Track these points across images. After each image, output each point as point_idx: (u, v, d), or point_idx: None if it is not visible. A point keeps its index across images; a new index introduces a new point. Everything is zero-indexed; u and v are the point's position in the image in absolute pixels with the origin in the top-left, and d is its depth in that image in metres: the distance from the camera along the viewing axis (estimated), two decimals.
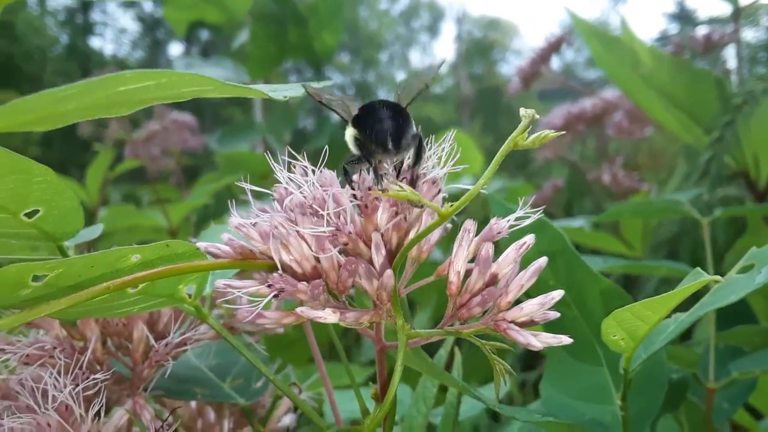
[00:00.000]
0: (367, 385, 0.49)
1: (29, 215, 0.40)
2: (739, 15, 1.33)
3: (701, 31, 1.32)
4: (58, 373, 0.43)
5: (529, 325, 0.39)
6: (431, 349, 0.53)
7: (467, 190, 0.37)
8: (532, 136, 0.33)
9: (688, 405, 0.81)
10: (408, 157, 0.41)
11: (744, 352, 0.83)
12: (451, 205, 0.34)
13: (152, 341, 0.48)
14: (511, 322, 0.38)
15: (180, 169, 2.20)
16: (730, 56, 1.56)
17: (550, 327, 0.46)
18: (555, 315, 0.40)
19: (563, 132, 0.34)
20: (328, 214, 0.36)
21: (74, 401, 0.41)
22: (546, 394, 0.63)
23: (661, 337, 0.49)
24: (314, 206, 0.38)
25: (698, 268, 0.43)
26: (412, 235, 0.39)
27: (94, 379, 0.43)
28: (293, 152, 0.42)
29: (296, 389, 0.60)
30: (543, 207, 0.42)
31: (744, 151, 1.32)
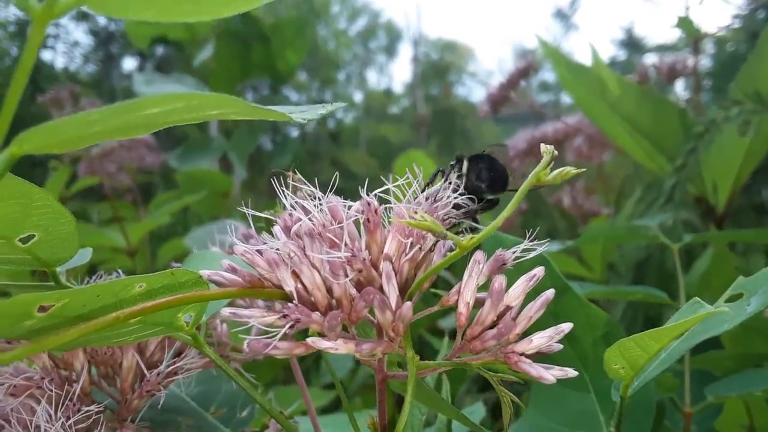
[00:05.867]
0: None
1: (24, 240, 0.39)
2: (699, 44, 1.37)
3: (667, 59, 1.35)
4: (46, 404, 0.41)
5: (535, 357, 0.39)
6: None
7: None
8: (554, 172, 0.33)
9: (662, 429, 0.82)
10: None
11: (714, 376, 0.85)
12: (472, 237, 0.34)
13: (144, 370, 0.46)
14: (521, 354, 0.38)
15: (136, 187, 2.15)
16: (678, 84, 1.61)
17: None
18: (559, 347, 0.40)
19: (584, 169, 0.35)
20: (344, 240, 0.36)
21: None
22: (532, 420, 0.63)
23: (653, 365, 0.50)
24: (327, 233, 0.37)
25: (696, 298, 0.44)
26: (423, 265, 0.39)
27: (87, 411, 0.41)
28: (301, 177, 0.41)
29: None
30: (547, 240, 0.42)
31: (704, 178, 1.36)
